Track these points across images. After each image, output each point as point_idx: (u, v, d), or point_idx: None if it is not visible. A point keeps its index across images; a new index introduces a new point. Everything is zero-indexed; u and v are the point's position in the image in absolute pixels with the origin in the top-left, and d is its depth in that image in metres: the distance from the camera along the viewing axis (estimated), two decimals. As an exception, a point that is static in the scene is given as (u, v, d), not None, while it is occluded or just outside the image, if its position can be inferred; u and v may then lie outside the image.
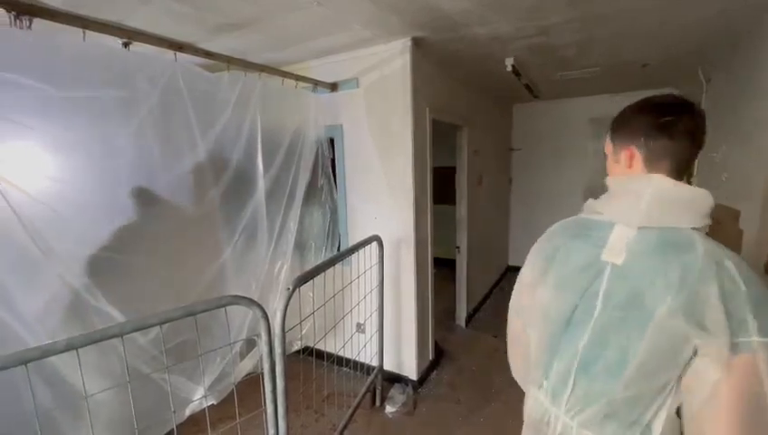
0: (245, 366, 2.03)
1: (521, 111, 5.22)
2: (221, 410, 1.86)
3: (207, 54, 1.84)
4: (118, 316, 1.54)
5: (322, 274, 1.95)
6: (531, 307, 0.97)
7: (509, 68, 2.92)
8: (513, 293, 1.07)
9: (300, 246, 3.07)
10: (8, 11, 1.23)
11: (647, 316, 0.71)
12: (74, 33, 1.40)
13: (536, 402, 0.92)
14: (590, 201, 0.89)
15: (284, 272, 2.50)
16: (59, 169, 1.50)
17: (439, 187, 3.24)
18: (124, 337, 1.18)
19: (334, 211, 2.89)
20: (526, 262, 1.01)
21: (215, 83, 1.91)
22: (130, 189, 1.66)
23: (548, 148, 5.10)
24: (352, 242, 2.91)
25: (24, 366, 1.01)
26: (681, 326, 0.67)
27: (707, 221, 0.73)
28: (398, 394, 2.70)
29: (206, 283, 1.95)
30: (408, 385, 2.77)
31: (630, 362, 0.73)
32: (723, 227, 2.68)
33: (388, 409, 2.61)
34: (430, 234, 2.91)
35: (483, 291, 4.43)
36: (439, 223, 3.19)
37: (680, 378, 0.70)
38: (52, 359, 1.36)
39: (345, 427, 2.27)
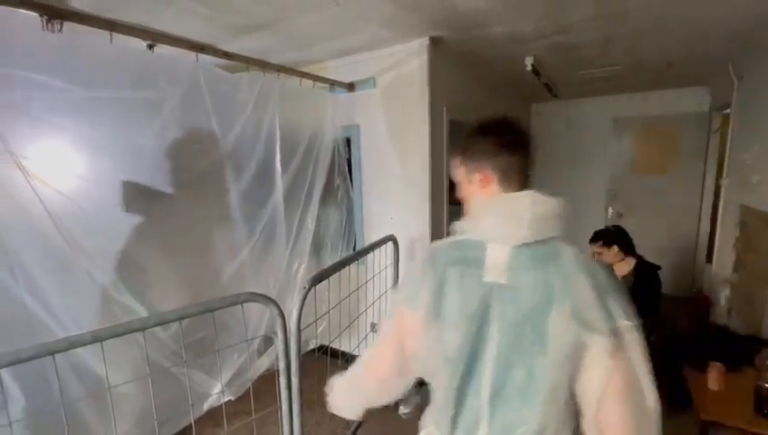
0: (263, 363, 2.05)
1: (539, 111, 5.13)
2: (237, 406, 1.88)
3: (227, 55, 1.87)
4: (141, 311, 1.58)
5: (338, 273, 1.95)
6: (425, 346, 0.85)
7: (528, 67, 2.88)
8: (392, 317, 0.93)
9: (317, 246, 3.09)
10: (40, 15, 1.28)
11: (542, 330, 0.73)
12: (102, 35, 1.44)
13: None
14: (458, 223, 0.86)
15: (302, 271, 2.53)
16: (86, 168, 1.55)
17: (455, 187, 3.21)
18: (145, 332, 1.21)
19: (350, 211, 2.90)
20: (407, 290, 0.89)
21: (235, 84, 1.94)
22: (156, 189, 1.71)
23: (567, 148, 5.00)
24: (368, 242, 2.91)
25: (51, 357, 1.05)
26: (576, 330, 0.71)
27: (562, 227, 0.79)
28: (412, 395, 2.68)
29: (225, 280, 1.98)
30: (422, 386, 2.75)
31: (540, 379, 0.74)
32: (752, 231, 2.58)
33: (402, 409, 2.60)
34: (446, 234, 2.89)
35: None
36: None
37: (578, 377, 0.74)
38: (79, 351, 1.41)
39: (359, 426, 2.27)
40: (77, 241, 1.46)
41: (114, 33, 1.48)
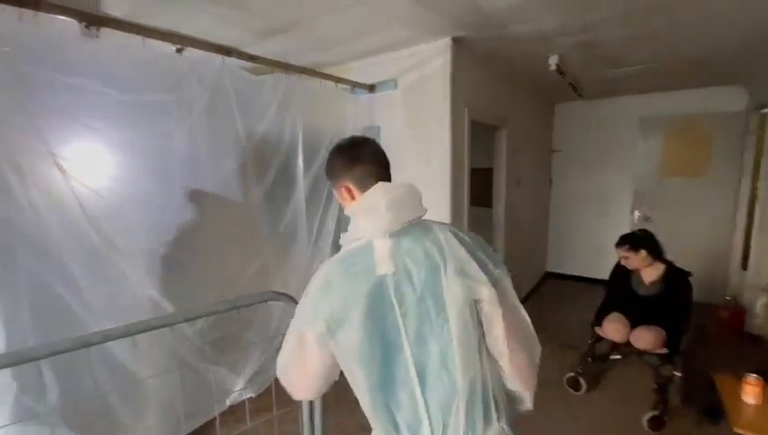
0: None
1: (563, 111, 5.02)
2: (258, 402, 1.91)
3: (252, 58, 1.91)
4: (168, 307, 1.63)
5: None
6: (338, 357, 0.86)
7: (553, 67, 2.82)
8: (293, 345, 0.89)
9: (337, 246, 3.10)
10: (79, 21, 1.34)
11: (438, 297, 0.82)
12: (134, 39, 1.49)
13: None
14: (345, 235, 0.91)
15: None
16: (119, 168, 1.61)
17: (475, 188, 3.18)
18: (173, 327, 1.24)
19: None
20: (306, 316, 0.86)
21: (259, 86, 1.98)
22: (184, 189, 1.75)
23: (592, 149, 4.87)
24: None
25: (83, 349, 1.09)
26: (462, 283, 0.81)
27: (424, 208, 0.90)
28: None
29: (248, 279, 2.02)
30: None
31: (452, 343, 0.81)
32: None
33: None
34: (466, 236, 2.86)
35: (519, 296, 4.29)
36: (475, 226, 3.13)
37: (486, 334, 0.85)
38: (109, 344, 1.46)
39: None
40: (109, 238, 1.52)
41: (146, 38, 1.53)
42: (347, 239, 0.91)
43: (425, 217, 0.90)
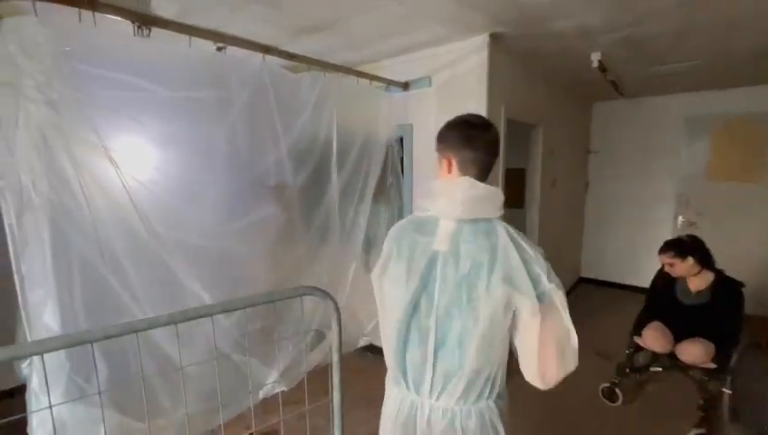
0: (315, 357, 2.10)
1: (602, 110, 4.82)
2: (289, 397, 1.94)
3: (291, 56, 1.94)
4: (206, 298, 1.68)
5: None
6: (380, 302, 1.10)
7: (595, 64, 2.71)
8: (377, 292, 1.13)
9: (368, 243, 3.12)
10: (132, 21, 1.40)
11: (472, 289, 0.92)
12: (180, 38, 1.55)
13: (401, 401, 1.04)
14: (420, 201, 1.05)
15: (353, 268, 2.57)
16: (163, 162, 1.67)
17: (507, 189, 3.10)
18: (213, 318, 1.28)
19: (401, 211, 2.90)
20: (379, 264, 1.10)
21: (296, 83, 2.00)
22: (224, 184, 1.80)
23: (631, 150, 4.65)
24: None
25: (134, 334, 1.14)
26: (504, 290, 0.90)
27: (502, 211, 0.98)
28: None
29: (283, 274, 2.06)
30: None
31: (474, 332, 0.92)
32: None
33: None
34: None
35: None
36: (508, 227, 3.05)
37: (508, 333, 0.95)
38: (154, 332, 1.53)
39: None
40: (154, 229, 1.58)
41: (191, 38, 1.58)
42: (421, 206, 1.04)
43: (497, 219, 0.98)
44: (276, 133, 1.93)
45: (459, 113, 2.61)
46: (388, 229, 2.86)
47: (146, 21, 1.41)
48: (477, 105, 2.46)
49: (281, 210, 2.13)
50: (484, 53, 2.38)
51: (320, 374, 1.72)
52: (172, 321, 1.17)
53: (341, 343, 1.55)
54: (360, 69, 2.60)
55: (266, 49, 1.81)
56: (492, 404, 1.00)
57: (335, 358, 1.50)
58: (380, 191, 2.82)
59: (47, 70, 1.27)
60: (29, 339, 1.44)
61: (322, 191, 2.24)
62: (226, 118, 1.79)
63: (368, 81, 2.50)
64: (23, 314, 1.44)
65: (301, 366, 1.90)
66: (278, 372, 1.88)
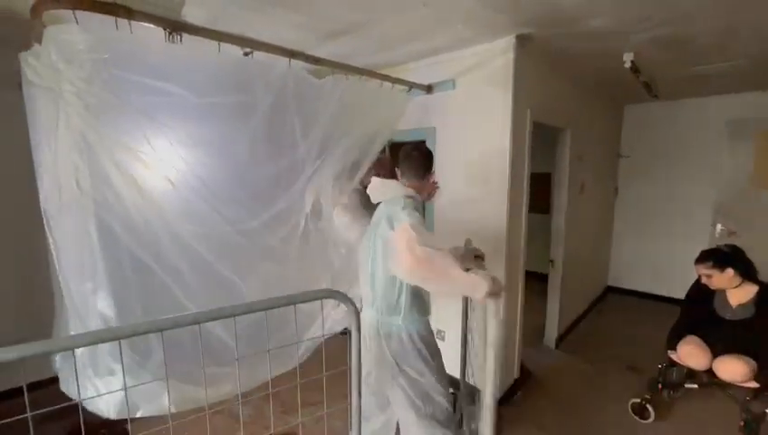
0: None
1: (633, 113, 4.64)
2: (308, 398, 1.95)
3: (317, 60, 1.96)
4: (243, 287, 1.74)
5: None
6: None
7: (627, 64, 2.61)
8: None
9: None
10: (164, 28, 1.45)
11: (375, 242, 1.71)
12: (208, 44, 1.59)
13: (370, 316, 1.74)
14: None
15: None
16: (192, 164, 1.72)
17: (532, 194, 3.03)
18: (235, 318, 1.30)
19: (422, 212, 2.87)
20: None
21: (318, 88, 2.02)
22: (251, 186, 1.84)
23: (665, 154, 4.45)
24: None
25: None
26: (387, 233, 1.62)
27: (407, 192, 1.72)
28: (477, 411, 2.57)
29: (300, 277, 2.08)
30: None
31: (381, 269, 1.68)
32: None
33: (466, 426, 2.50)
34: (523, 245, 2.73)
35: (576, 311, 4.03)
36: (531, 234, 2.97)
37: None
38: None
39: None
40: (188, 228, 1.63)
41: (220, 43, 1.62)
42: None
43: (402, 197, 1.68)
44: (295, 137, 1.95)
45: (484, 116, 2.59)
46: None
47: (177, 27, 1.46)
48: (502, 108, 2.41)
49: (298, 214, 2.16)
50: (510, 55, 2.33)
51: (338, 378, 1.72)
52: (196, 321, 1.20)
53: (360, 347, 1.54)
54: (383, 72, 2.61)
55: (292, 53, 1.83)
56: (401, 322, 1.68)
57: (354, 362, 1.50)
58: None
59: (87, 76, 1.33)
60: (71, 331, 1.51)
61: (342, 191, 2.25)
62: (251, 121, 1.83)
63: (390, 84, 2.50)
64: (66, 306, 1.51)
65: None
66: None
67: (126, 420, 1.41)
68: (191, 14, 1.92)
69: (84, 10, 1.29)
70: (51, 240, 1.45)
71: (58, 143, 1.41)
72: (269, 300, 1.37)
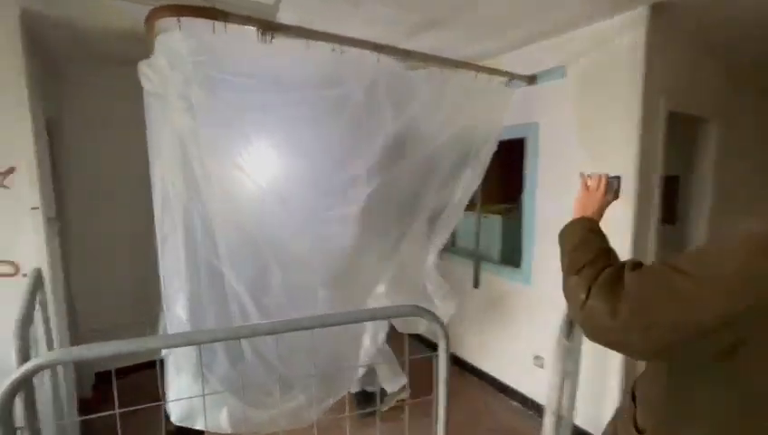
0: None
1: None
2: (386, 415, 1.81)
3: (407, 54, 1.82)
4: (325, 296, 1.67)
5: (489, 287, 1.67)
6: None
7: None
8: None
9: (477, 256, 2.85)
10: (257, 28, 1.44)
11: None
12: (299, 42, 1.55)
13: None
14: None
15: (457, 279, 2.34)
16: (285, 163, 1.71)
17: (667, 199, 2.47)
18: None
19: (520, 223, 2.55)
20: None
21: (409, 81, 1.88)
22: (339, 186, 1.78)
23: None
24: (540, 259, 2.50)
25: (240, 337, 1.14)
26: None
27: None
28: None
29: (382, 285, 1.96)
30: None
31: None
32: None
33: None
34: (654, 259, 2.23)
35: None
36: (661, 248, 2.43)
37: None
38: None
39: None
40: (273, 233, 1.62)
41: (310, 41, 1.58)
42: None
43: None
44: (387, 133, 1.83)
45: (602, 108, 2.17)
46: (507, 242, 2.56)
47: (269, 27, 1.44)
48: (628, 97, 1.99)
49: (389, 213, 2.03)
50: (641, 30, 1.91)
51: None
52: (274, 330, 1.13)
53: (449, 369, 1.34)
54: (481, 64, 2.37)
55: (381, 47, 1.72)
56: None
57: (442, 375, 1.30)
58: (496, 200, 2.53)
59: (186, 78, 1.37)
60: (167, 328, 1.60)
61: (423, 194, 2.08)
62: (341, 118, 1.76)
63: (487, 75, 2.24)
64: (163, 304, 1.60)
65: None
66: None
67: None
68: (285, 18, 1.93)
69: (186, 16, 1.33)
70: (158, 242, 1.54)
71: (162, 146, 1.49)
72: (352, 313, 1.26)
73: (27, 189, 1.90)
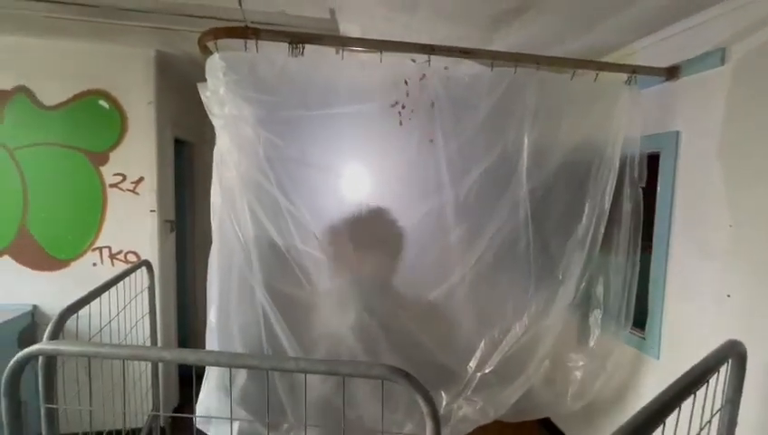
0: None
1: None
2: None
3: (464, 53, 1.52)
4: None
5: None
6: None
7: None
8: None
9: (586, 305, 2.19)
10: (288, 42, 1.41)
11: None
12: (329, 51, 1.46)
13: None
14: None
15: (550, 335, 1.84)
16: (321, 182, 1.64)
17: None
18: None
19: (634, 265, 1.85)
20: None
21: (469, 86, 1.58)
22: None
23: None
24: (674, 323, 1.78)
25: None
26: None
27: None
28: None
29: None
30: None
31: None
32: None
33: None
34: None
35: None
36: None
37: None
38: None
39: None
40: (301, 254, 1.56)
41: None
42: None
43: None
44: (437, 145, 1.58)
45: None
46: (614, 292, 1.91)
47: (298, 39, 1.39)
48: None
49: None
50: None
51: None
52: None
53: None
54: (601, 59, 1.85)
55: (431, 48, 1.48)
56: None
57: None
58: (608, 235, 1.90)
59: (223, 97, 1.44)
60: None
61: (496, 220, 1.70)
62: (392, 128, 1.60)
63: (595, 72, 1.71)
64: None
65: None
66: None
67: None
68: (348, 30, 1.88)
69: (222, 38, 1.39)
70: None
71: (214, 163, 1.60)
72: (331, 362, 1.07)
73: (149, 196, 2.35)
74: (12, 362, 1.01)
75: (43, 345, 0.99)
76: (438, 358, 1.73)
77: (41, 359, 1.15)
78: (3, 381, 1.01)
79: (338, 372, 0.95)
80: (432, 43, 1.48)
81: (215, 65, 1.42)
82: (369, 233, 1.70)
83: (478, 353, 1.74)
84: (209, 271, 1.59)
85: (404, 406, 1.56)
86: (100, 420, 1.71)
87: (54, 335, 1.18)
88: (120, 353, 1.01)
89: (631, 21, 1.73)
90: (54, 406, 1.11)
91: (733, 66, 1.54)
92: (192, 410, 1.43)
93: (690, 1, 1.57)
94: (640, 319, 1.93)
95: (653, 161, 1.87)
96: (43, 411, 1.13)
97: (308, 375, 1.14)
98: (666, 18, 1.71)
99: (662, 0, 1.54)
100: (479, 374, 1.73)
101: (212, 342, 1.52)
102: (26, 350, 1.00)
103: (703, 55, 1.64)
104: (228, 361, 1.00)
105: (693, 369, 0.96)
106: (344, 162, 1.66)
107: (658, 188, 1.86)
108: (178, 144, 2.73)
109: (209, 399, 1.49)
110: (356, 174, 1.71)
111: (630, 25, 1.78)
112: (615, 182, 1.77)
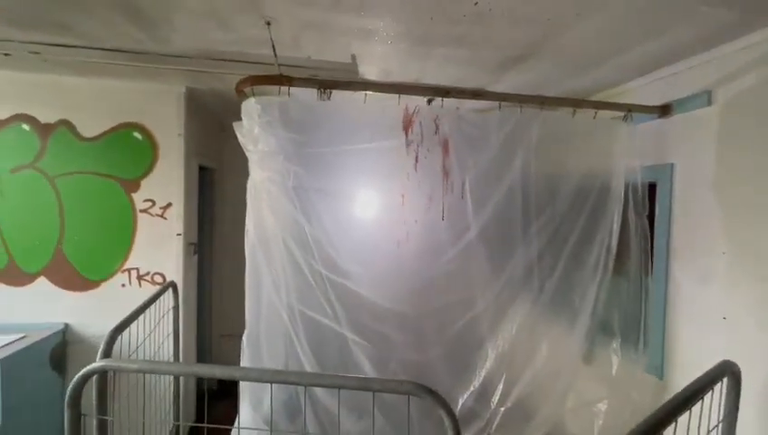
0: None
1: None
2: None
3: (476, 95, 1.69)
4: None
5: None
6: None
7: None
8: None
9: (595, 328, 2.28)
10: (317, 88, 1.58)
11: None
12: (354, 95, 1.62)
13: None
14: None
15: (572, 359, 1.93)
16: (343, 212, 1.78)
17: None
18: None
19: (646, 287, 1.96)
20: None
21: (480, 126, 1.73)
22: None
23: None
24: (671, 347, 1.87)
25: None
26: None
27: None
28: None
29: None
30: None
31: None
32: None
33: None
34: None
35: None
36: None
37: None
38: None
39: None
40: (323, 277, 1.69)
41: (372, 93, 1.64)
42: None
43: None
44: (450, 180, 1.72)
45: (761, 149, 1.54)
46: (628, 311, 2.01)
47: (326, 85, 1.56)
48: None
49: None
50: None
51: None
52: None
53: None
54: (595, 98, 2.01)
55: (445, 91, 1.65)
56: None
57: None
58: (620, 263, 2.01)
59: (257, 135, 1.60)
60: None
61: (508, 255, 1.82)
62: (407, 165, 1.75)
63: (593, 111, 1.87)
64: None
65: None
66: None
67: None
68: (367, 72, 2.06)
69: (260, 85, 1.56)
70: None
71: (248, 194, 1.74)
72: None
73: (176, 220, 2.50)
74: (76, 377, 1.13)
75: (107, 362, 1.12)
76: (457, 395, 1.81)
77: (96, 375, 1.26)
78: (68, 394, 1.13)
79: (369, 388, 1.06)
80: (443, 83, 1.65)
81: (251, 108, 1.59)
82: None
83: (500, 386, 1.82)
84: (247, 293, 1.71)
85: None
86: (138, 432, 1.81)
87: (107, 354, 1.30)
88: (173, 370, 1.13)
89: (623, 65, 1.90)
90: (107, 417, 1.23)
91: (719, 107, 1.69)
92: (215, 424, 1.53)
93: (679, 48, 1.73)
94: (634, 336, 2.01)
95: (650, 190, 2.00)
96: (95, 423, 1.24)
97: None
98: (657, 62, 1.87)
99: (652, 47, 1.70)
100: (502, 409, 1.80)
101: (244, 359, 1.64)
102: (90, 366, 1.12)
103: (691, 96, 1.80)
104: (271, 377, 1.11)
105: (686, 388, 1.06)
106: (364, 193, 1.82)
107: (657, 215, 1.98)
108: (200, 170, 2.90)
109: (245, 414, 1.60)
110: (375, 204, 1.86)
111: (623, 68, 1.95)
112: (621, 210, 1.90)
